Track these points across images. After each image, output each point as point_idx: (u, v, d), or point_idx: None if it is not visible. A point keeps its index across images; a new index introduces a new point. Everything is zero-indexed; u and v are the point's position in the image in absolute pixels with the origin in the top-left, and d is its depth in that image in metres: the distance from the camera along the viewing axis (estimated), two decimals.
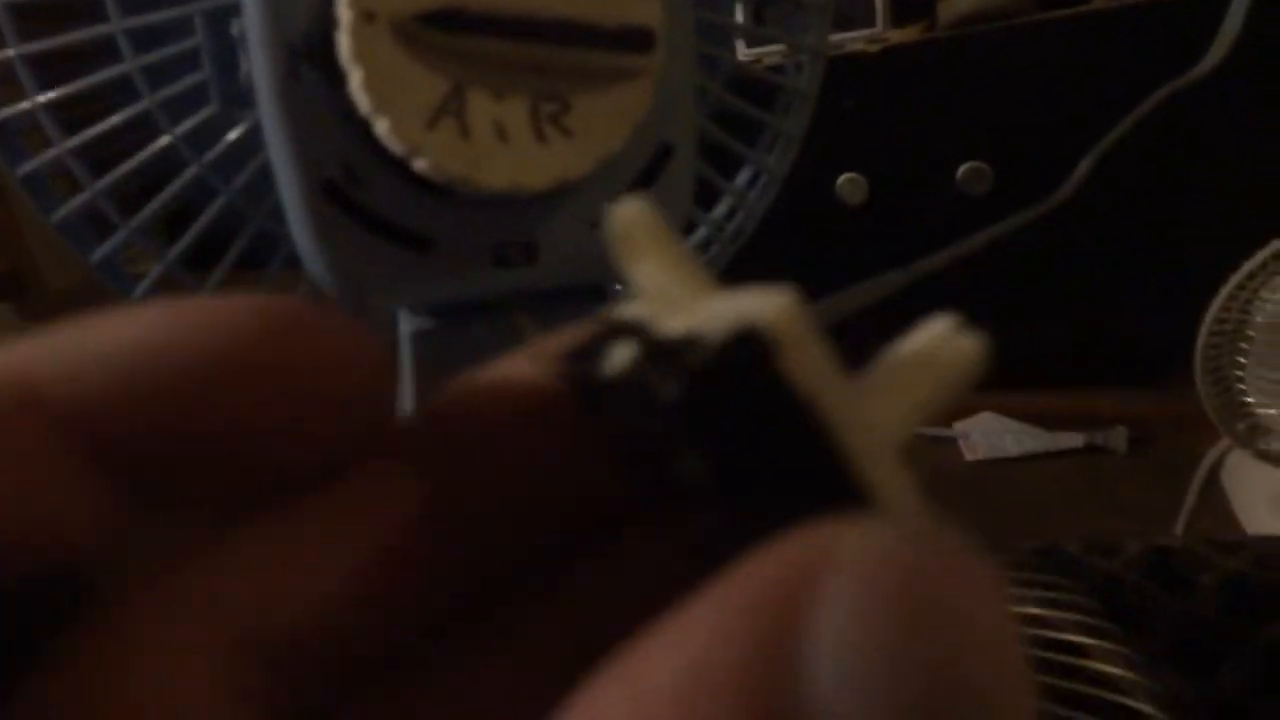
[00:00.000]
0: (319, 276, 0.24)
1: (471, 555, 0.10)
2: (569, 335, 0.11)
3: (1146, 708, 0.36)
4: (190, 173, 0.29)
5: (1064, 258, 1.09)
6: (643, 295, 0.10)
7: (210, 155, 0.28)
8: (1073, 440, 1.17)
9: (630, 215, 0.10)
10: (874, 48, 1.01)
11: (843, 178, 1.10)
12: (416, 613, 0.10)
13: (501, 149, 0.21)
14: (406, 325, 0.27)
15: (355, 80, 0.20)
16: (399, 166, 0.21)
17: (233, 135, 0.28)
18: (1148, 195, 1.03)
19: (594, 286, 0.25)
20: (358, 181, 0.22)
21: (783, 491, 0.07)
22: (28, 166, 0.30)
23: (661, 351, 0.08)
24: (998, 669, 0.06)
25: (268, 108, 0.22)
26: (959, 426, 1.21)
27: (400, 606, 0.10)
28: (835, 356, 0.08)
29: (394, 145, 0.20)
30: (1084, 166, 0.46)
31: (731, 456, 0.08)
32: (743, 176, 0.36)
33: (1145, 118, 0.50)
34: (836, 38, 1.04)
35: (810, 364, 0.08)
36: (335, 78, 0.21)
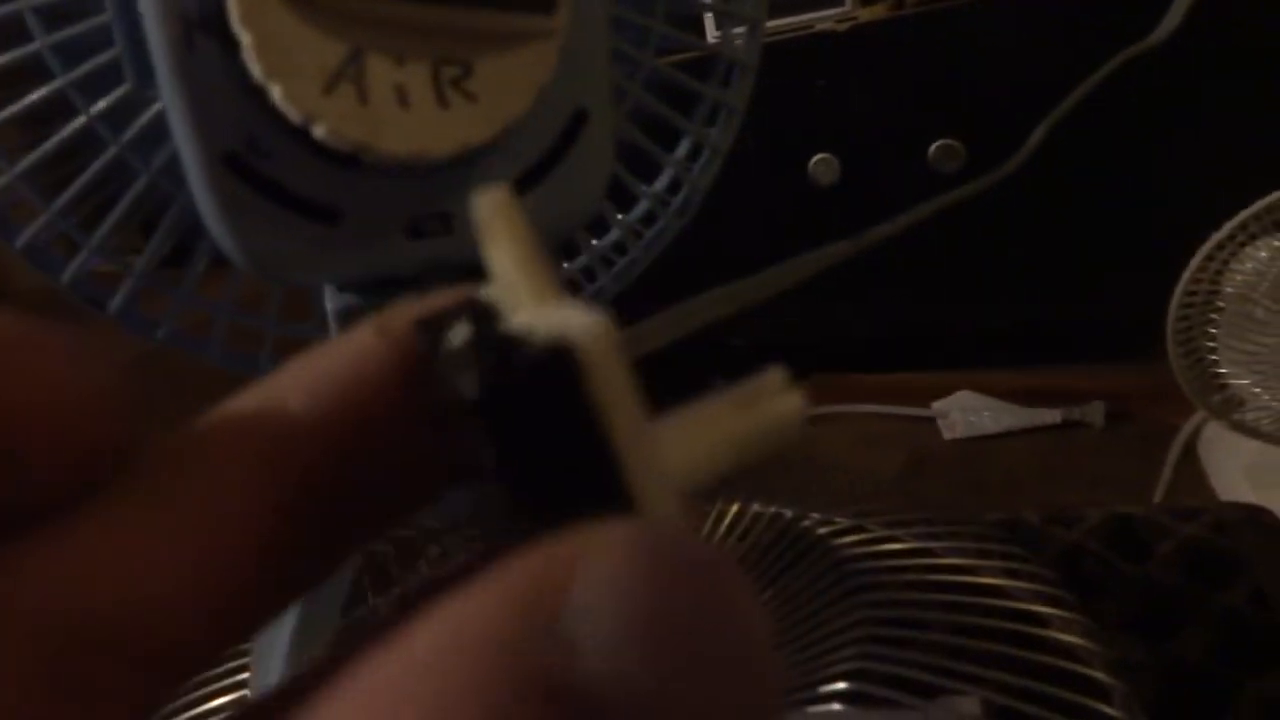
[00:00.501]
0: (226, 250, 0.23)
1: (305, 528, 0.10)
2: (433, 301, 0.11)
3: (1101, 675, 0.36)
4: (109, 154, 0.28)
5: (1035, 232, 1.09)
6: (495, 283, 0.10)
7: (128, 135, 0.28)
8: (1050, 416, 1.17)
9: (490, 202, 0.11)
10: (843, 26, 1.01)
11: (815, 159, 1.10)
12: (257, 591, 0.10)
13: (403, 114, 0.20)
14: (332, 302, 0.27)
15: (246, 45, 0.19)
16: (303, 137, 0.21)
17: (149, 113, 0.27)
18: (1114, 166, 1.02)
19: None
20: (261, 153, 0.22)
21: (562, 498, 0.08)
22: None
23: (490, 343, 0.09)
24: (736, 637, 0.07)
25: (165, 79, 0.21)
26: (937, 406, 1.21)
27: (235, 587, 0.10)
28: (636, 387, 0.09)
29: (290, 112, 0.20)
30: (1037, 135, 0.45)
31: (521, 457, 0.08)
32: (682, 148, 0.36)
33: (1103, 85, 0.50)
34: (805, 17, 1.03)
35: (610, 388, 0.08)
36: (231, 45, 0.20)
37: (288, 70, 0.19)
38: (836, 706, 0.34)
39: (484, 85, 0.21)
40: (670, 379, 0.16)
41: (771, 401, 0.09)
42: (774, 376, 0.09)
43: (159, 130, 0.28)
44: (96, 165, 0.28)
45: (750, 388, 0.09)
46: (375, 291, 0.26)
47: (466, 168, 0.22)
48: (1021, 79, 0.99)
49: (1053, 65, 0.85)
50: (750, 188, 1.09)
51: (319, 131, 0.20)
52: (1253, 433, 0.87)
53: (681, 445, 0.09)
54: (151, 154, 0.29)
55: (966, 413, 1.23)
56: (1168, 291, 0.85)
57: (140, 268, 0.31)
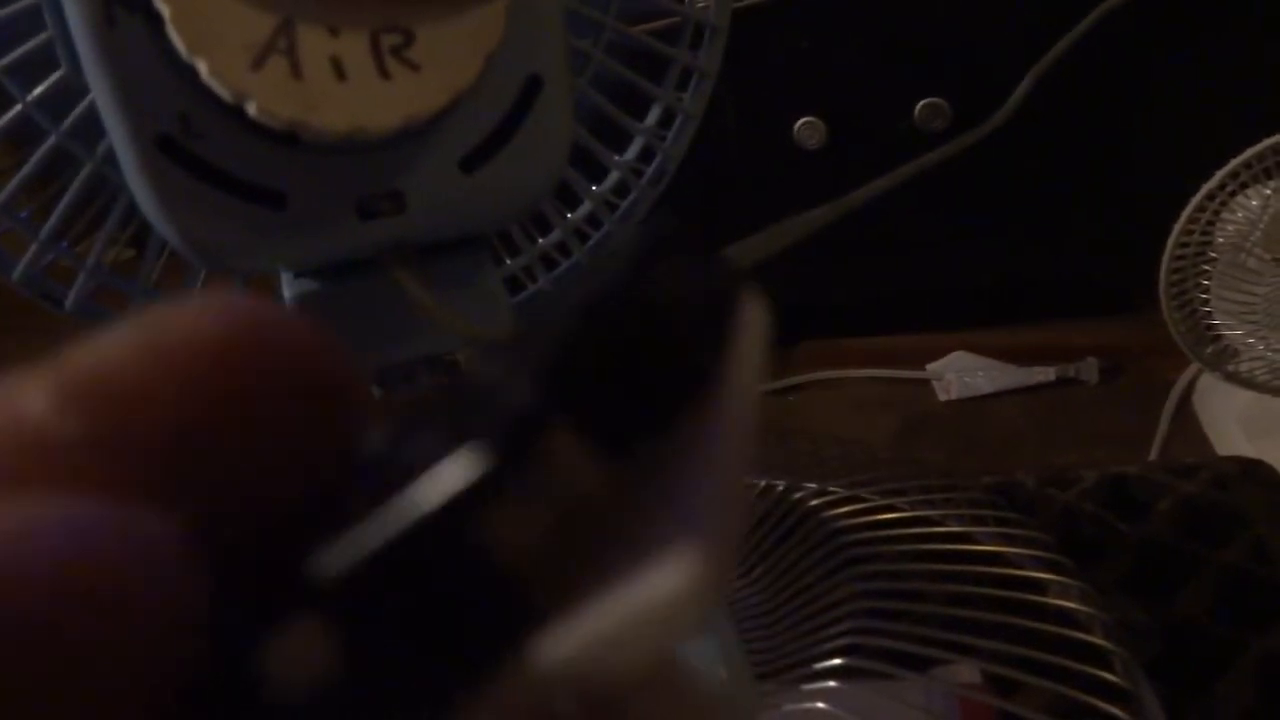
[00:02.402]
0: (171, 241, 0.22)
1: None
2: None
3: (1101, 641, 0.36)
4: (49, 143, 0.27)
5: (1023, 188, 1.08)
6: None
7: (66, 122, 0.27)
8: (1044, 374, 1.16)
9: None
10: None
11: (800, 122, 1.08)
12: None
13: (340, 88, 0.19)
14: (288, 289, 0.26)
15: (167, 18, 0.18)
16: (239, 115, 0.20)
17: (88, 100, 0.26)
18: (1100, 118, 1.01)
19: (471, 237, 0.23)
20: (196, 134, 0.20)
21: None
22: None
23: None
24: None
25: (87, 59, 0.20)
26: (932, 368, 1.20)
27: None
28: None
29: (219, 89, 0.18)
30: (1021, 88, 0.44)
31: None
32: (653, 114, 0.35)
33: (1087, 37, 0.48)
34: None
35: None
36: (155, 20, 0.19)
37: (213, 44, 0.18)
38: (832, 684, 0.33)
39: (427, 53, 0.19)
40: None
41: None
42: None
43: (99, 117, 0.27)
44: (37, 155, 0.27)
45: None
46: (332, 276, 0.25)
47: (415, 142, 0.21)
48: (1006, 35, 0.97)
49: (1037, 20, 0.83)
50: (733, 154, 1.07)
51: (251, 109, 0.19)
52: (1247, 384, 0.86)
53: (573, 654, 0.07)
54: (95, 142, 0.28)
55: (961, 374, 1.23)
56: (1159, 244, 0.84)
57: (91, 263, 0.29)
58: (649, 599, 0.06)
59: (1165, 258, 0.85)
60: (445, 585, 0.06)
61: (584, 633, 0.06)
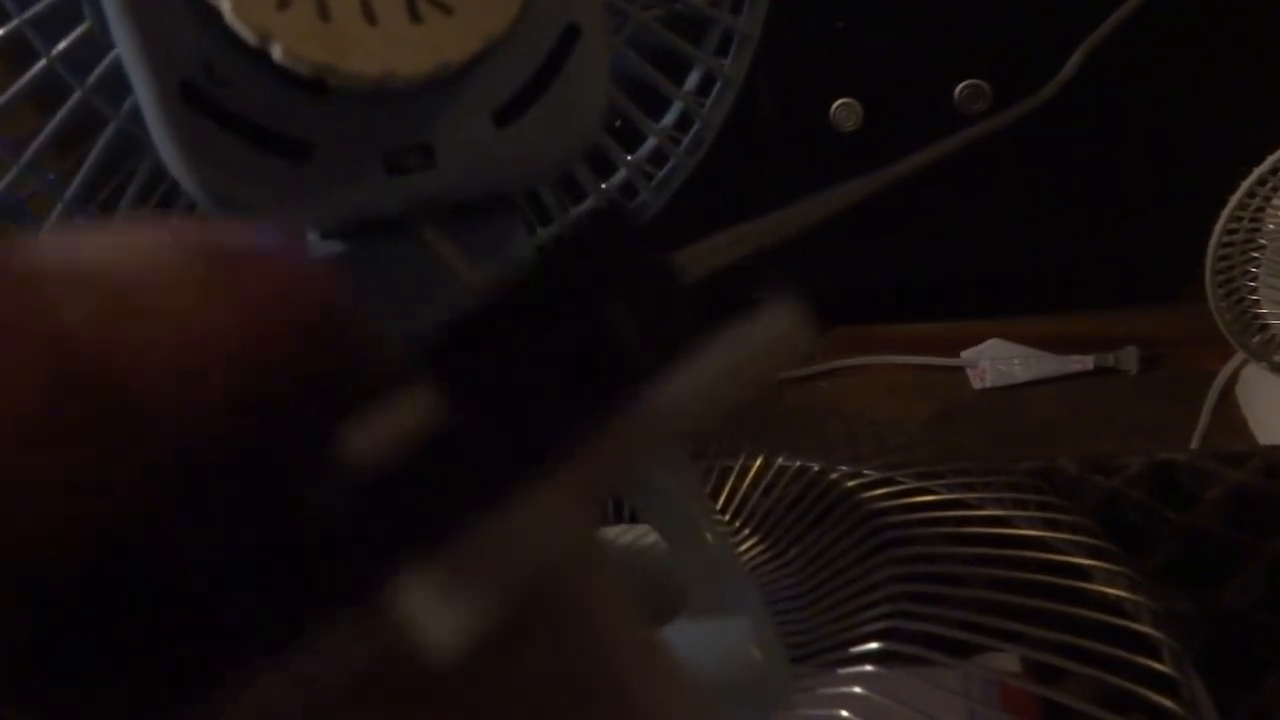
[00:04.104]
0: (195, 198, 0.21)
1: None
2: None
3: (1148, 629, 0.34)
4: (74, 98, 0.26)
5: (1065, 173, 1.05)
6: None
7: (92, 77, 0.26)
8: (1082, 363, 1.14)
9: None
10: None
11: (836, 104, 1.06)
12: None
13: (369, 32, 0.18)
14: (316, 251, 0.25)
15: None
16: (264, 61, 0.19)
17: (113, 55, 0.25)
18: (1147, 101, 0.99)
19: (501, 197, 0.22)
20: (220, 82, 0.20)
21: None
22: None
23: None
24: None
25: (110, 6, 0.19)
26: (966, 355, 1.18)
27: None
28: None
29: (242, 32, 0.18)
30: (1071, 65, 0.43)
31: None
32: (692, 79, 0.33)
33: (1136, 15, 0.47)
34: None
35: None
36: None
37: None
38: (869, 668, 0.32)
39: None
40: None
41: (770, 330, 0.08)
42: (775, 310, 0.08)
43: (125, 71, 0.26)
44: (63, 111, 0.26)
45: (751, 327, 0.08)
46: (360, 237, 0.24)
47: (446, 92, 0.20)
48: (1050, 14, 0.95)
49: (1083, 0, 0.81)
50: (768, 136, 1.06)
51: (276, 53, 0.18)
52: None
53: (689, 391, 0.07)
54: (122, 99, 0.28)
55: (996, 361, 1.20)
56: (1204, 231, 0.82)
57: (67, 196, 0.29)
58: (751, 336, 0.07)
59: (1212, 244, 0.82)
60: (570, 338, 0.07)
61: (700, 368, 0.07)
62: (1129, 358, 1.15)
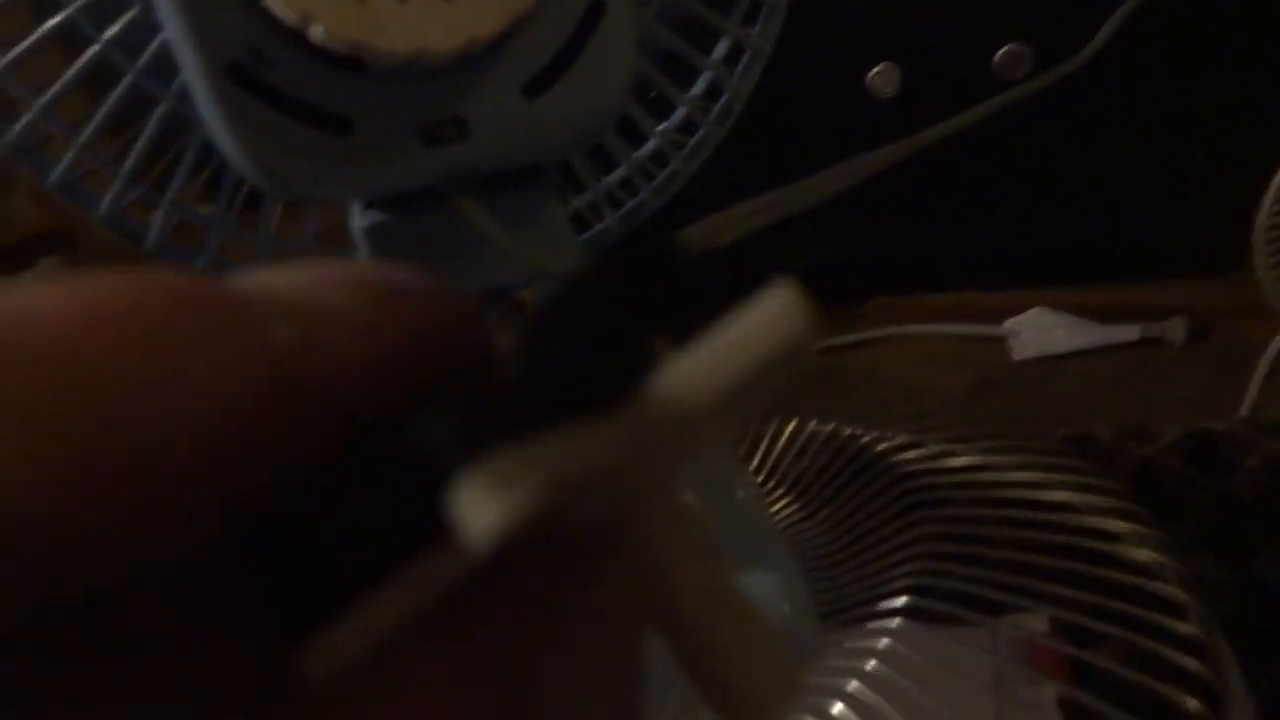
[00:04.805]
0: (243, 172, 0.23)
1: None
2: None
3: (1176, 591, 0.35)
4: (126, 81, 0.28)
5: (1110, 138, 1.03)
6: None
7: (142, 60, 0.27)
8: (1127, 333, 1.13)
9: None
10: None
11: (873, 70, 1.05)
12: None
13: (402, 10, 0.19)
14: (358, 220, 0.26)
15: None
16: (306, 42, 0.20)
17: (161, 37, 0.26)
18: (1194, 64, 0.96)
19: (533, 167, 0.23)
20: (265, 62, 0.21)
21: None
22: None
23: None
24: None
25: None
26: (1009, 324, 1.17)
27: None
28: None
29: (284, 14, 0.19)
30: (1110, 27, 0.42)
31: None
32: (720, 49, 0.34)
33: None
34: None
35: None
36: None
37: None
38: (897, 623, 0.33)
39: None
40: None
41: (778, 324, 0.09)
42: (780, 296, 0.09)
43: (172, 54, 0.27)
44: (115, 93, 0.28)
45: (756, 312, 0.09)
46: (400, 207, 0.26)
47: (477, 67, 0.21)
48: None
49: None
50: (803, 102, 1.05)
51: (316, 33, 0.19)
52: None
53: (693, 381, 0.08)
54: (170, 80, 0.29)
55: (1039, 331, 1.19)
56: (1253, 201, 0.80)
57: (169, 199, 0.30)
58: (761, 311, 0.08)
59: (1261, 213, 0.81)
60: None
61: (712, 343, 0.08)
62: (1176, 328, 1.13)
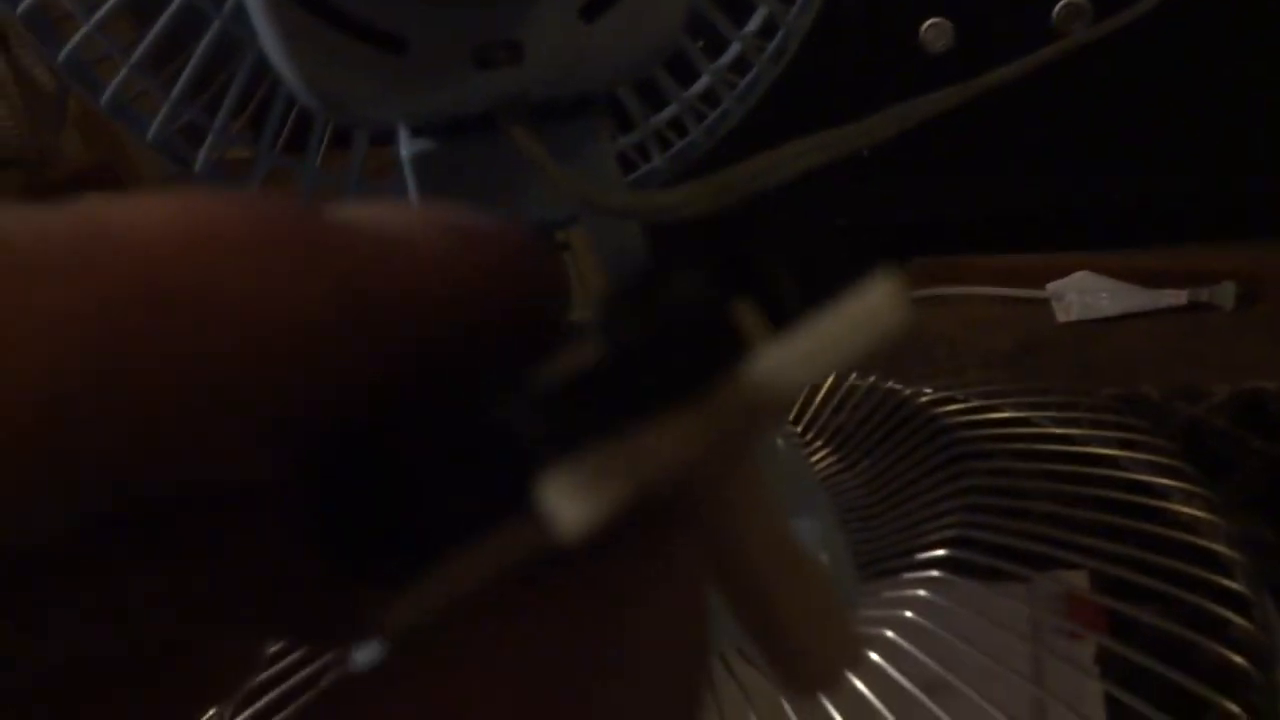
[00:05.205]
0: (296, 91, 0.22)
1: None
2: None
3: (1223, 549, 0.34)
4: (215, 28, 0.28)
5: (1160, 98, 1.01)
6: None
7: (228, 5, 0.27)
8: (1175, 298, 1.10)
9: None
10: None
11: (926, 24, 1.03)
12: None
13: None
14: (406, 148, 0.26)
15: None
16: None
17: None
18: (1243, 20, 0.93)
19: (586, 97, 0.23)
20: None
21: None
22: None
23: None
24: None
25: None
26: (1052, 287, 1.15)
27: None
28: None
29: None
30: None
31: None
32: None
33: None
34: None
35: None
36: None
37: None
38: (935, 573, 0.33)
39: None
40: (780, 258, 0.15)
41: (877, 318, 0.09)
42: (881, 288, 0.09)
43: None
44: (168, 12, 0.28)
45: (856, 304, 0.09)
46: (449, 134, 0.25)
47: None
48: None
49: None
50: (854, 57, 1.03)
51: None
52: None
53: (785, 372, 0.08)
54: (222, 1, 0.29)
55: (1084, 294, 1.17)
56: None
57: (219, 124, 0.30)
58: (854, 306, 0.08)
59: None
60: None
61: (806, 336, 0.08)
62: (1225, 293, 1.11)
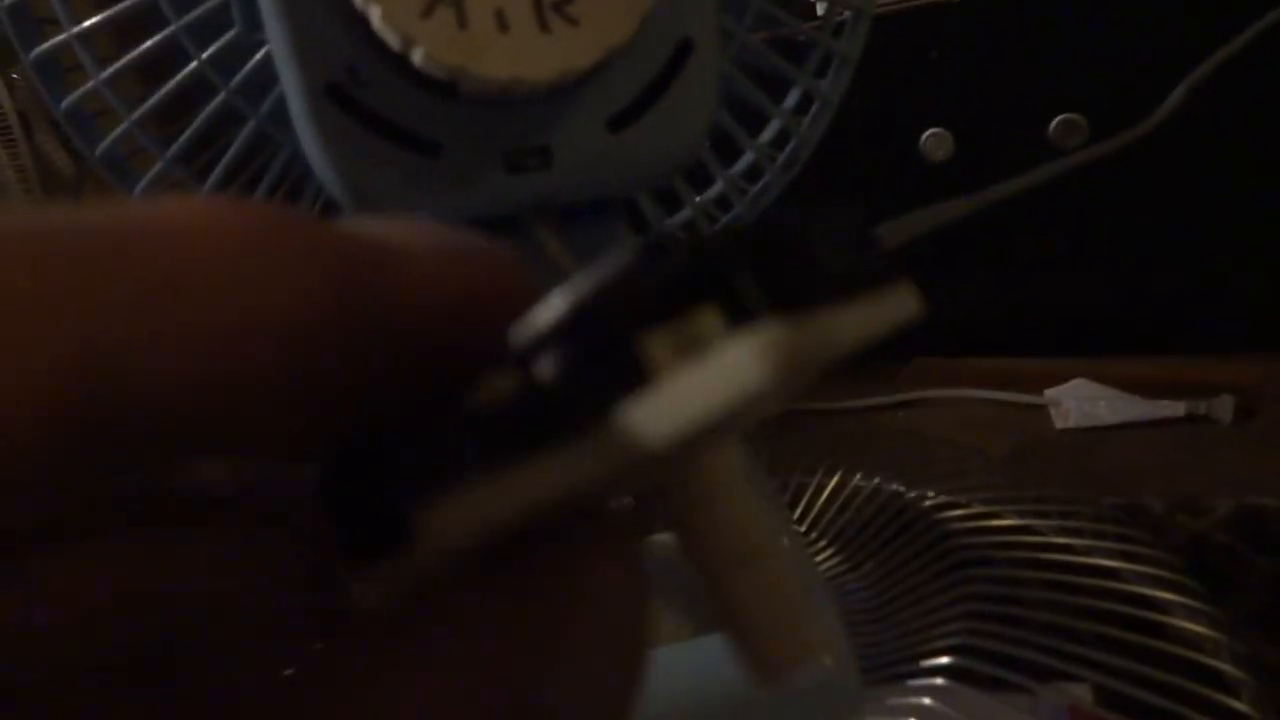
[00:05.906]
0: (330, 187, 0.23)
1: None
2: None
3: (1229, 668, 0.34)
4: (219, 99, 0.29)
5: (1161, 211, 1.03)
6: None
7: (237, 79, 0.28)
8: (1173, 409, 1.11)
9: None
10: None
11: (926, 133, 1.06)
12: None
13: (502, 39, 0.20)
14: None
15: None
16: (403, 66, 0.21)
17: (257, 57, 0.27)
18: (1245, 136, 0.96)
19: (608, 200, 0.24)
20: (362, 83, 0.21)
21: None
22: (69, 100, 0.30)
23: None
24: None
25: (268, 11, 0.21)
26: (1050, 394, 1.16)
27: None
28: None
29: (388, 37, 0.19)
30: (1173, 98, 0.42)
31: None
32: (791, 98, 0.35)
33: (1241, 53, 0.46)
34: None
35: None
36: None
37: None
38: (939, 681, 0.33)
39: (587, 10, 0.20)
40: None
41: (739, 366, 0.09)
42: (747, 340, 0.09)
43: (266, 75, 0.28)
44: (208, 110, 0.29)
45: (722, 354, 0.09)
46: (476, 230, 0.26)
47: (566, 98, 0.22)
48: (1149, 49, 0.93)
49: (1185, 35, 0.80)
50: (858, 163, 1.06)
51: (417, 56, 0.20)
52: None
53: (816, 337, 0.09)
54: (259, 100, 0.30)
55: (1081, 401, 1.18)
56: None
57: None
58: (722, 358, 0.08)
59: None
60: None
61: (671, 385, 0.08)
62: (1223, 406, 1.11)
